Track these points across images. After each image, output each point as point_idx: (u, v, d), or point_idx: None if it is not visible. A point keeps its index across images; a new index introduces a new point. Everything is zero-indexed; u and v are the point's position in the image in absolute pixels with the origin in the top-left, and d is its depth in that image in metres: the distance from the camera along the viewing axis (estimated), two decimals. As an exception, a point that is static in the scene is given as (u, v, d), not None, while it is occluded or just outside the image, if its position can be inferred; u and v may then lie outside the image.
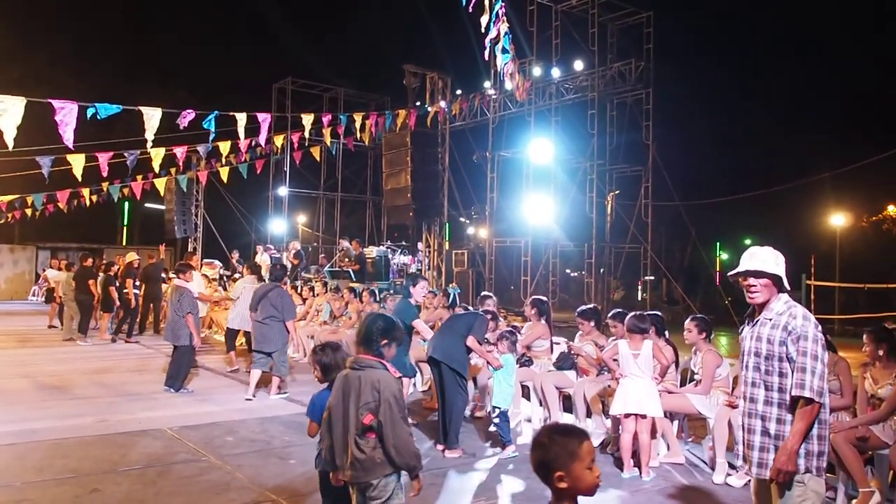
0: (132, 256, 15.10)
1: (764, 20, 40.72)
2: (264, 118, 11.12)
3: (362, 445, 3.29)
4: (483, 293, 8.69)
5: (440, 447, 6.31)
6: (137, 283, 14.44)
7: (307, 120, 12.95)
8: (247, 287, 10.38)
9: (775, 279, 3.44)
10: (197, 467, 5.63)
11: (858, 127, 30.99)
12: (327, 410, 3.47)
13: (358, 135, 15.27)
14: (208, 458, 5.88)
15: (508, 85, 15.36)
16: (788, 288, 3.47)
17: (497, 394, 6.38)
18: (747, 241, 35.57)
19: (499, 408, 6.32)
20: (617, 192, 21.75)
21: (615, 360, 6.02)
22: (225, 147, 13.10)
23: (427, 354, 6.74)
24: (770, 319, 3.41)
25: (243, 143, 12.53)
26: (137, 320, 14.77)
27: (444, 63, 21.57)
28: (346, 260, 17.20)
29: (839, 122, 33.98)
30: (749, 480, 5.34)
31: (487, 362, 6.61)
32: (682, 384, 6.68)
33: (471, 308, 8.74)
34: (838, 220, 28.74)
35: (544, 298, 8.18)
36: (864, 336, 5.43)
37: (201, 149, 13.71)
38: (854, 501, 5.01)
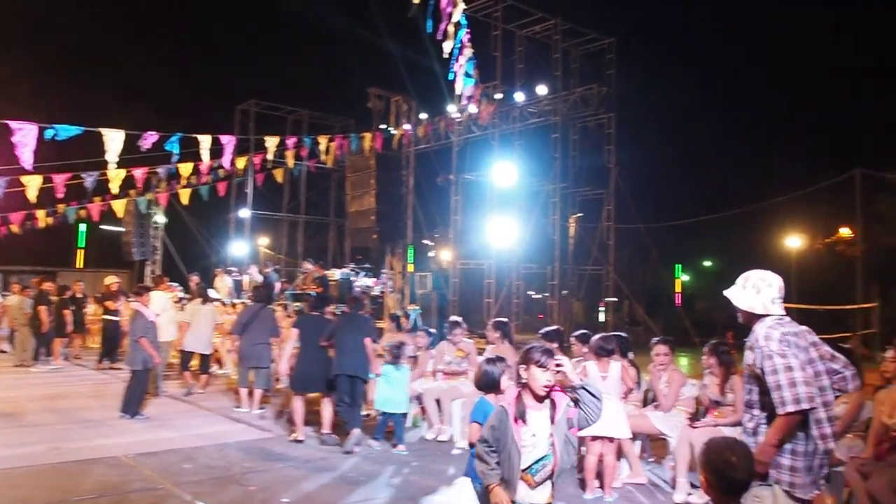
0: (111, 279, 13.97)
1: (725, 46, 41.95)
2: (228, 140, 11.07)
3: None
4: (452, 319, 8.37)
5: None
6: (113, 308, 13.32)
7: (271, 142, 12.91)
8: (197, 310, 10.39)
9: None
10: (153, 496, 5.48)
11: (817, 150, 31.88)
12: None
13: (322, 157, 15.23)
14: (165, 485, 5.73)
15: (472, 109, 15.52)
16: (779, 311, 3.68)
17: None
18: (707, 263, 36.11)
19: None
20: (580, 214, 21.96)
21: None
22: (186, 169, 12.98)
23: (338, 371, 7.16)
24: (749, 343, 3.68)
25: (205, 165, 12.43)
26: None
27: (408, 86, 21.62)
28: (309, 282, 17.05)
29: (797, 146, 34.88)
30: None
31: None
32: (645, 405, 6.73)
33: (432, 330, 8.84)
34: (794, 242, 29.34)
35: (505, 320, 8.22)
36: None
37: (161, 170, 13.56)
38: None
